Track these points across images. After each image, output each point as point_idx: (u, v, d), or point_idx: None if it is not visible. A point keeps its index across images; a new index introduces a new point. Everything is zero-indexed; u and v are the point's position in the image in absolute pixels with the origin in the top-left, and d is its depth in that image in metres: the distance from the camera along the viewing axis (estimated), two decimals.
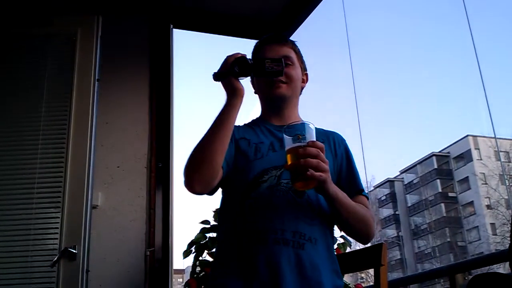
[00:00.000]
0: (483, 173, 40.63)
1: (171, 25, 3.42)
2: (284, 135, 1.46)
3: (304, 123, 1.46)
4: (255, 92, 1.80)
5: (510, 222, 2.25)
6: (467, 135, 42.89)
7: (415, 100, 56.09)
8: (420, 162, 47.11)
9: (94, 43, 2.92)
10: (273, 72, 1.53)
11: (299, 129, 1.45)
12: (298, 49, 1.81)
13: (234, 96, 1.50)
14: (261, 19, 3.66)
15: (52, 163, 2.78)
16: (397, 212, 47.60)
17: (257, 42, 1.83)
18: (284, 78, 1.66)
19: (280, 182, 1.55)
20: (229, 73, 1.49)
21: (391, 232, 47.11)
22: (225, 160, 1.54)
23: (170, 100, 3.25)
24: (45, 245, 2.64)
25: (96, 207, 2.86)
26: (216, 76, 1.50)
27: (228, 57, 1.49)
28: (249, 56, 1.54)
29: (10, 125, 2.86)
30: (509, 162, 38.82)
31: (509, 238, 1.96)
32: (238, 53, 1.50)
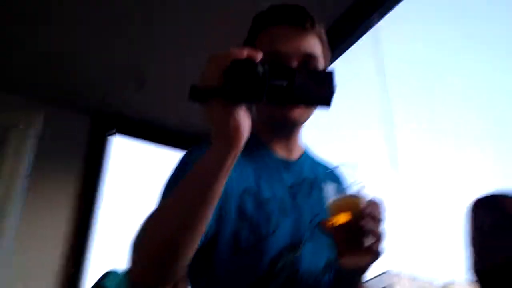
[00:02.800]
0: None
1: (110, 130, 3.45)
2: (326, 185, 0.97)
3: (351, 165, 0.97)
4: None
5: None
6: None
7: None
8: None
9: (28, 139, 2.91)
10: (312, 98, 0.82)
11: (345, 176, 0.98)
12: (325, 37, 1.20)
13: (229, 140, 0.78)
14: (201, 135, 3.75)
15: None
16: None
17: (260, 17, 1.19)
18: None
19: (301, 272, 1.05)
20: (218, 92, 0.76)
21: None
22: (205, 233, 0.87)
23: (95, 207, 3.23)
24: None
25: None
26: (196, 95, 0.77)
27: (222, 55, 0.77)
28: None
29: None
30: None
31: None
32: (241, 50, 0.77)
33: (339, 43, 2.44)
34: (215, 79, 0.75)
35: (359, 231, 0.89)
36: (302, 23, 1.12)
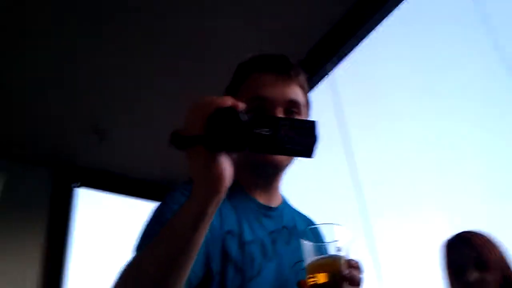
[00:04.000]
0: None
1: (75, 183, 3.43)
2: (305, 241, 0.95)
3: (335, 225, 0.95)
4: None
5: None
6: None
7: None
8: None
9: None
10: (296, 148, 0.79)
11: (326, 234, 0.97)
12: (307, 87, 1.24)
13: (212, 187, 0.76)
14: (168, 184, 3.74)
15: None
16: None
17: (247, 64, 1.22)
18: None
19: None
20: (201, 140, 0.74)
21: None
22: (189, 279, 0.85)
23: (64, 259, 3.17)
24: None
25: None
26: (178, 142, 0.76)
27: (206, 102, 0.76)
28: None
29: None
30: None
31: None
32: (225, 99, 0.77)
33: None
34: (198, 126, 0.73)
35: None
36: (288, 71, 1.16)
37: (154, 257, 0.78)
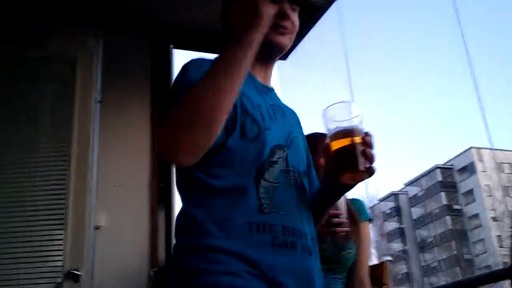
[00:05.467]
0: (488, 185, 40.50)
1: (171, 45, 3.45)
2: (328, 110, 1.19)
3: (352, 102, 1.21)
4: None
5: (511, 237, 2.14)
6: (471, 147, 42.82)
7: (418, 113, 56.12)
8: (424, 175, 47.02)
9: (94, 65, 2.94)
10: None
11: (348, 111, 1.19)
12: None
13: (258, 25, 1.10)
14: None
15: (54, 185, 2.79)
16: (402, 226, 47.40)
17: None
18: (290, 25, 1.28)
19: (289, 167, 1.23)
20: None
21: (396, 246, 46.87)
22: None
23: None
24: (48, 267, 2.64)
25: (99, 228, 2.87)
26: None
27: None
28: None
29: (11, 149, 2.88)
30: None
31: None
32: None
33: None
34: None
35: (359, 153, 1.14)
36: None
37: (214, 86, 1.04)
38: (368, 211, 2.12)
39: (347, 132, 1.16)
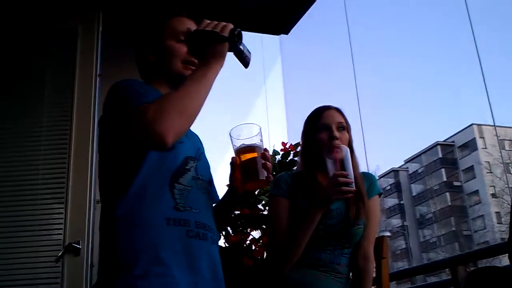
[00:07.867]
0: (488, 162, 40.56)
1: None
2: (234, 130, 1.51)
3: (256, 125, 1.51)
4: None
5: (510, 213, 2.17)
6: (472, 124, 42.76)
7: (418, 89, 55.93)
8: (425, 151, 47.04)
9: (95, 39, 2.93)
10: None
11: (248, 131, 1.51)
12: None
13: (221, 63, 1.41)
14: (262, 11, 3.66)
15: (55, 158, 2.79)
16: (402, 202, 47.60)
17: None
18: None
19: (199, 176, 1.48)
20: (226, 40, 1.39)
21: (396, 221, 47.13)
22: None
23: None
24: (49, 240, 2.66)
25: (100, 202, 2.87)
26: (205, 36, 1.40)
27: (226, 24, 1.44)
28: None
29: (13, 122, 2.87)
30: None
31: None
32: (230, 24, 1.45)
33: None
34: (222, 32, 1.42)
35: (260, 166, 1.46)
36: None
37: (196, 93, 1.33)
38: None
39: (250, 148, 1.48)
